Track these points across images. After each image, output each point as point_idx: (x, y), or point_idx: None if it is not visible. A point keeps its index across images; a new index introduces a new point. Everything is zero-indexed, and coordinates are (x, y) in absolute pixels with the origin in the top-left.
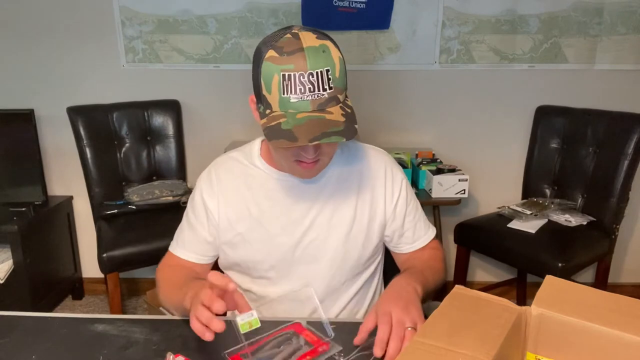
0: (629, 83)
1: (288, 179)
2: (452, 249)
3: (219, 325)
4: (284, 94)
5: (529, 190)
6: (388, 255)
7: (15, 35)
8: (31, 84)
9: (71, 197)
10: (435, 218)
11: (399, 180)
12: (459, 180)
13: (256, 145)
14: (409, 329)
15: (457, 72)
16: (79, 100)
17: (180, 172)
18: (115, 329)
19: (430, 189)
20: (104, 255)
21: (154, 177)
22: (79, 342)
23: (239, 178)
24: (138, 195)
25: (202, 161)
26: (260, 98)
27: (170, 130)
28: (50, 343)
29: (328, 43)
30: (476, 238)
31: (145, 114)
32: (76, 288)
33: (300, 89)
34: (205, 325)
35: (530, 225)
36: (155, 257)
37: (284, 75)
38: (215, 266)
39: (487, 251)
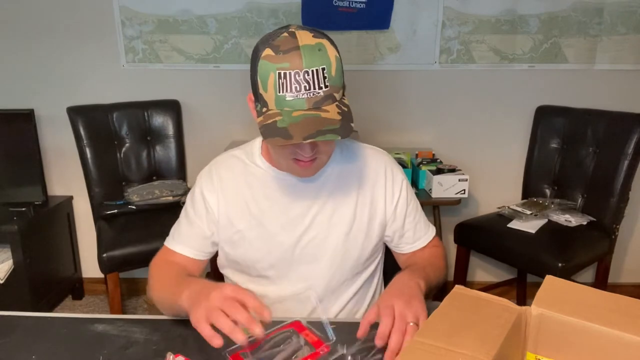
0: (629, 83)
1: (288, 178)
2: (452, 249)
3: (242, 338)
4: (279, 92)
5: (529, 190)
6: (388, 255)
7: (15, 35)
8: (31, 84)
9: (71, 197)
10: (435, 218)
11: (400, 180)
12: (459, 180)
13: (257, 143)
14: (411, 324)
15: (457, 72)
16: (79, 100)
17: (180, 172)
18: (115, 329)
19: (430, 189)
20: (104, 255)
21: (154, 177)
22: (79, 342)
23: (239, 176)
24: (138, 195)
25: (202, 161)
26: (257, 96)
27: (170, 130)
28: (50, 343)
29: (324, 42)
30: (476, 238)
31: (145, 114)
32: (76, 288)
33: (296, 87)
34: (227, 333)
35: (530, 225)
36: None
37: (279, 73)
38: (215, 267)
39: (487, 251)
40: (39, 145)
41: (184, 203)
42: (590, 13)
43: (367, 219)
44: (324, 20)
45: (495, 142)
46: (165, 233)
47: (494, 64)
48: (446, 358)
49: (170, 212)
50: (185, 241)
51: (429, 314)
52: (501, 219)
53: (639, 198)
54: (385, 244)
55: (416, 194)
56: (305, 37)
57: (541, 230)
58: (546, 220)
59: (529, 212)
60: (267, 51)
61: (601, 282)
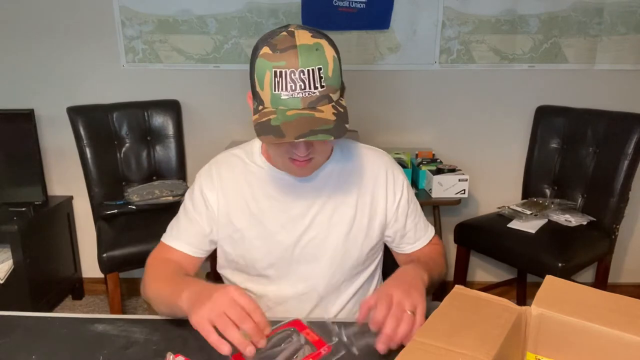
0: (629, 83)
1: (288, 178)
2: (452, 249)
3: (252, 351)
4: (275, 90)
5: (529, 190)
6: (388, 255)
7: (15, 35)
8: (31, 84)
9: (71, 197)
10: (435, 218)
11: (401, 181)
12: (459, 180)
13: (257, 143)
14: (409, 312)
15: (457, 72)
16: (79, 100)
17: (180, 172)
18: (115, 329)
19: (430, 189)
20: (104, 255)
21: (154, 177)
22: (79, 342)
23: (239, 175)
24: (138, 195)
25: (202, 161)
26: (254, 94)
27: (170, 130)
28: (50, 343)
29: (323, 42)
30: (476, 238)
31: (145, 114)
32: (76, 288)
33: (291, 86)
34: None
35: (530, 225)
36: None
37: (275, 72)
38: (214, 268)
39: (487, 251)
40: (39, 145)
41: None
42: (590, 13)
43: (367, 220)
44: (324, 20)
45: (495, 142)
46: (165, 233)
47: (494, 64)
48: (446, 358)
49: (170, 212)
50: (183, 238)
51: (429, 314)
52: (501, 219)
53: (639, 198)
54: (384, 243)
55: (416, 194)
56: (303, 37)
57: (541, 230)
58: (546, 220)
59: (529, 212)
60: (265, 49)
61: (601, 282)
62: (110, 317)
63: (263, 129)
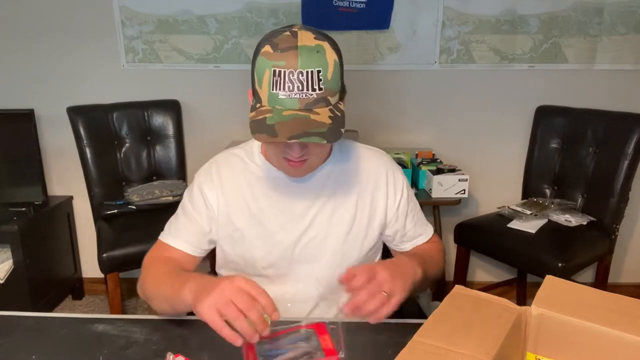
0: (629, 83)
1: (287, 177)
2: (452, 249)
3: (256, 337)
4: (273, 89)
5: (529, 190)
6: (387, 255)
7: (15, 35)
8: (31, 84)
9: (71, 197)
10: (435, 218)
11: (400, 181)
12: (459, 180)
13: (257, 142)
14: (384, 294)
15: (457, 72)
16: (79, 100)
17: (180, 172)
18: (115, 329)
19: (430, 189)
20: (104, 255)
21: (154, 177)
22: (79, 342)
23: (239, 175)
24: (138, 195)
25: (202, 161)
26: (254, 91)
27: (170, 130)
28: (50, 343)
29: (325, 44)
30: (476, 238)
31: (145, 114)
32: (76, 288)
33: (289, 87)
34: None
35: (530, 225)
36: None
37: (274, 70)
38: (214, 268)
39: (487, 251)
40: (39, 145)
41: None
42: (590, 13)
43: (367, 220)
44: (324, 20)
45: (495, 142)
46: None
47: (494, 64)
48: (446, 358)
49: (170, 212)
50: (182, 236)
51: (429, 314)
52: (501, 219)
53: (639, 198)
54: (383, 243)
55: (416, 194)
56: (305, 38)
57: (541, 230)
58: (546, 220)
59: (529, 212)
60: (267, 47)
61: (601, 282)
62: (110, 317)
63: (257, 127)
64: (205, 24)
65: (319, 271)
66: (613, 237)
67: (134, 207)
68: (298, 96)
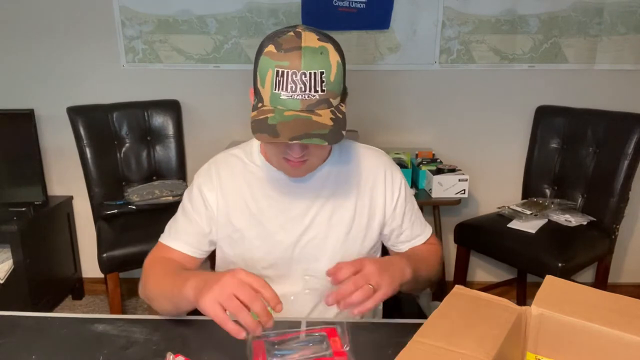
0: (629, 83)
1: (287, 178)
2: (452, 249)
3: (260, 330)
4: (275, 89)
5: (529, 190)
6: (386, 255)
7: (15, 35)
8: (31, 84)
9: (71, 197)
10: (435, 218)
11: (399, 180)
12: (459, 180)
13: (256, 143)
14: (370, 286)
15: (457, 72)
16: (79, 100)
17: (180, 172)
18: (115, 329)
19: (430, 189)
20: (104, 255)
21: (154, 177)
22: (79, 342)
23: (238, 175)
24: (138, 195)
25: (202, 161)
26: (255, 91)
27: (170, 130)
28: (50, 343)
29: (329, 46)
30: (476, 238)
31: (145, 114)
32: (76, 288)
33: (292, 87)
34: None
35: (530, 225)
36: None
37: (277, 71)
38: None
39: (487, 251)
40: (39, 145)
41: None
42: (590, 13)
43: (366, 219)
44: (323, 20)
45: (495, 142)
46: None
47: (494, 64)
48: (446, 358)
49: (170, 212)
50: (182, 238)
51: (429, 314)
52: (501, 219)
53: (639, 198)
54: (382, 243)
55: (416, 194)
56: (309, 39)
57: (541, 230)
58: (546, 220)
59: (529, 212)
60: (270, 47)
61: (601, 282)
62: (110, 317)
63: (259, 127)
64: (205, 24)
65: (319, 271)
66: (613, 237)
67: (134, 207)
68: (300, 97)
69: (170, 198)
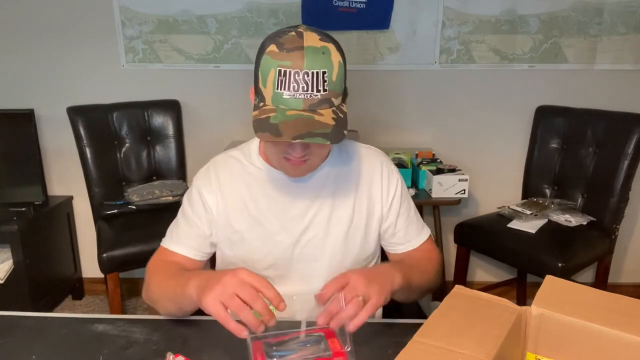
0: (629, 83)
1: (286, 178)
2: (452, 249)
3: (262, 328)
4: (277, 89)
5: (529, 190)
6: (385, 257)
7: (15, 35)
8: (31, 84)
9: (71, 197)
10: (435, 218)
11: (395, 179)
12: (459, 180)
13: (255, 143)
14: (359, 299)
15: (457, 72)
16: (79, 100)
17: (180, 172)
18: (115, 329)
19: (430, 189)
20: (104, 255)
21: (154, 177)
22: (79, 342)
23: (237, 177)
24: (138, 195)
25: (202, 161)
26: (257, 90)
27: (170, 130)
28: (50, 343)
29: (330, 46)
30: (476, 238)
31: (145, 114)
32: (76, 288)
33: (294, 87)
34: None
35: (530, 225)
36: None
37: (280, 70)
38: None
39: (487, 251)
40: (39, 145)
41: None
42: (590, 13)
43: (365, 219)
44: (324, 20)
45: (495, 142)
46: (165, 233)
47: (494, 64)
48: (446, 358)
49: (170, 212)
50: (183, 241)
51: (429, 314)
52: (501, 219)
53: (639, 198)
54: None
55: (416, 194)
56: (311, 39)
57: (541, 230)
58: (546, 220)
59: (529, 212)
60: (272, 47)
61: (601, 282)
62: (110, 317)
63: (261, 126)
64: (205, 24)
65: (319, 271)
66: (613, 237)
67: (134, 207)
68: (302, 96)
69: (170, 198)
